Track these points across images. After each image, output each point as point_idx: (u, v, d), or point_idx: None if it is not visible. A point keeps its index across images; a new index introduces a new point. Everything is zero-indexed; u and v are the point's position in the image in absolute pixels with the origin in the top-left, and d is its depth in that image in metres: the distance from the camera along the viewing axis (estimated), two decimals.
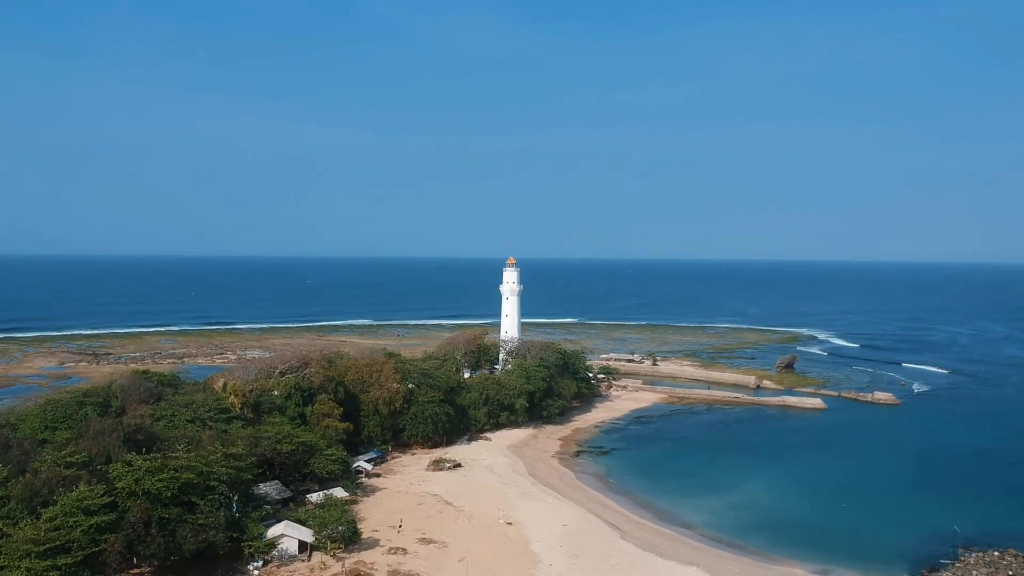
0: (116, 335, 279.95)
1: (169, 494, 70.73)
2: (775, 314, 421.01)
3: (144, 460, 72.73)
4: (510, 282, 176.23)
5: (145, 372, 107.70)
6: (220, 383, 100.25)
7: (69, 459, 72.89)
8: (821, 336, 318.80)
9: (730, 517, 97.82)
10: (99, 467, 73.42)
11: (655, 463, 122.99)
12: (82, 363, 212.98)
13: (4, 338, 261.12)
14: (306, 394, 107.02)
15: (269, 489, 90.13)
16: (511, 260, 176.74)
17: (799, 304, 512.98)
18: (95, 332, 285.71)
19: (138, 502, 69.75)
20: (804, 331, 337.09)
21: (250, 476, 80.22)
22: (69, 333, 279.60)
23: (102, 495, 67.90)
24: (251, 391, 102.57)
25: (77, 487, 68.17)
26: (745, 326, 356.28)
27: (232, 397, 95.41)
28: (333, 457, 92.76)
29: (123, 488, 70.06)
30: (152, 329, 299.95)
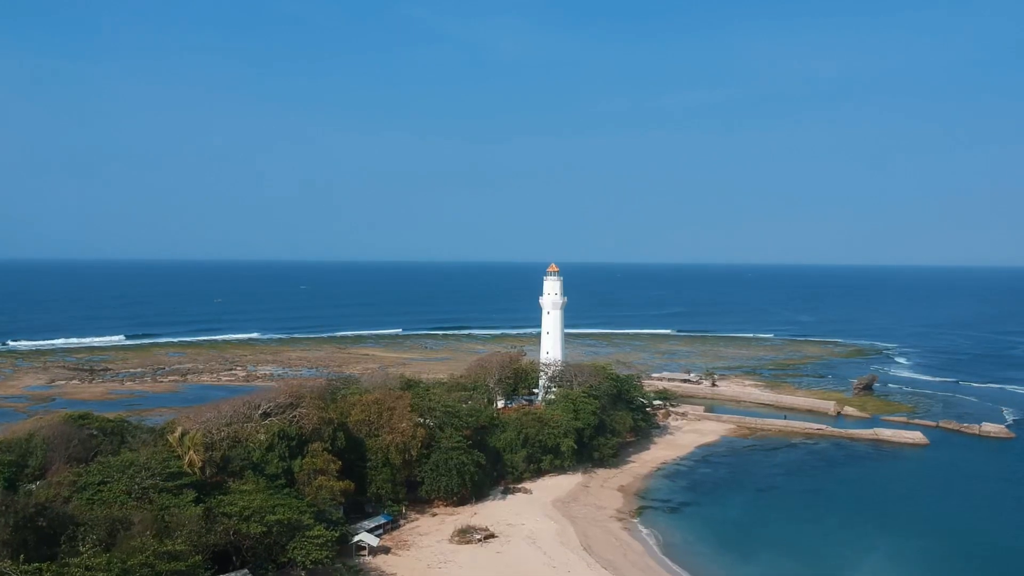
0: (121, 347, 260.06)
1: None
2: (831, 323, 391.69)
3: (24, 572, 48.91)
4: (551, 294, 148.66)
5: (83, 417, 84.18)
6: (177, 433, 76.34)
7: None
8: (889, 349, 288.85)
9: None
10: None
11: (739, 526, 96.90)
12: (74, 381, 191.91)
13: (2, 351, 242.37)
14: (294, 443, 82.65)
15: None
16: (552, 268, 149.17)
17: (853, 312, 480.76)
18: (100, 343, 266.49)
19: None
20: (868, 343, 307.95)
21: None
22: (72, 345, 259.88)
23: None
24: (221, 440, 78.57)
25: None
26: (802, 337, 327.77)
27: (191, 453, 71.56)
28: (319, 540, 67.62)
29: None
30: (163, 340, 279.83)
